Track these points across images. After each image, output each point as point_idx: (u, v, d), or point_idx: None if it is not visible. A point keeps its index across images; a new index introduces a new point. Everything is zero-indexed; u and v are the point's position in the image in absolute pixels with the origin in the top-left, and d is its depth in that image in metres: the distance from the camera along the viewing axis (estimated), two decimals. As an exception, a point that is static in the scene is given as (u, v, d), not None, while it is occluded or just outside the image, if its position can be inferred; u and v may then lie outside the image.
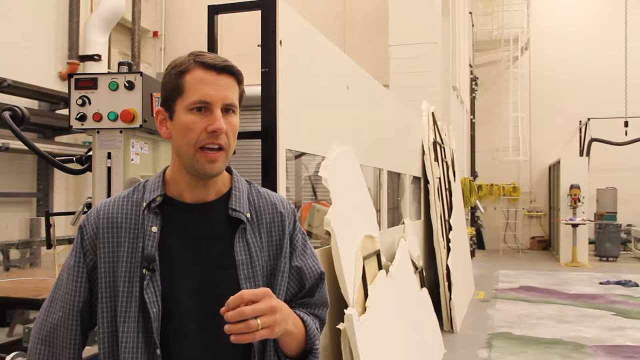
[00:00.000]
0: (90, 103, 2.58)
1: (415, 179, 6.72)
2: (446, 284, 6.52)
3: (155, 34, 12.21)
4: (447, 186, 7.53)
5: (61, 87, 8.31)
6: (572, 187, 13.14)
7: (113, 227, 1.32)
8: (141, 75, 2.57)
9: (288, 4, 2.86)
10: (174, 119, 1.29)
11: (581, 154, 15.52)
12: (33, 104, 7.82)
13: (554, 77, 16.13)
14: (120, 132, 2.58)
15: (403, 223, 5.53)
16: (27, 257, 6.89)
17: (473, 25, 15.74)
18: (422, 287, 5.37)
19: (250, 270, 1.31)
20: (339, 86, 3.75)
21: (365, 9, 11.21)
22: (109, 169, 2.59)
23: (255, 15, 2.78)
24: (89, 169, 2.75)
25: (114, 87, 2.56)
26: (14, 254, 6.69)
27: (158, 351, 1.26)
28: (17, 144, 6.25)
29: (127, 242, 1.30)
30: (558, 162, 14.16)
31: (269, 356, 1.32)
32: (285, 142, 2.80)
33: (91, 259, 1.32)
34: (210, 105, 1.26)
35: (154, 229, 1.30)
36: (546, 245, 16.17)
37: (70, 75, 2.65)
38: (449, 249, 6.80)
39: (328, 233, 3.16)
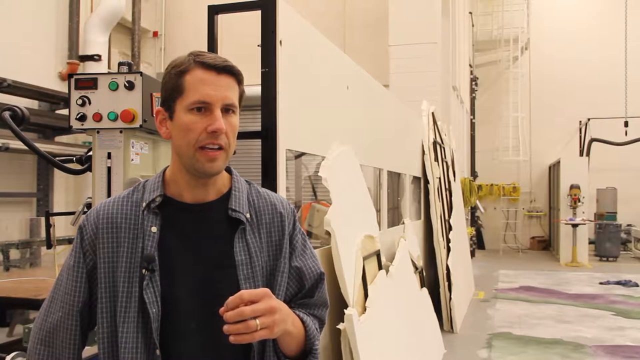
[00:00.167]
0: (90, 103, 2.58)
1: (415, 179, 6.72)
2: (446, 284, 6.52)
3: (155, 34, 12.21)
4: (447, 186, 7.52)
5: (61, 87, 8.31)
6: (572, 187, 13.14)
7: (113, 227, 1.32)
8: (141, 75, 2.57)
9: (288, 4, 2.86)
10: (174, 119, 1.29)
11: (581, 154, 15.52)
12: (33, 104, 7.82)
13: (554, 77, 16.13)
14: (120, 132, 2.58)
15: (403, 223, 5.53)
16: (27, 257, 6.89)
17: (473, 25, 15.74)
18: (422, 287, 5.37)
19: (250, 271, 1.31)
20: (339, 86, 3.75)
21: (365, 9, 11.21)
22: (109, 169, 2.59)
23: (255, 15, 2.78)
24: (89, 169, 2.75)
25: (114, 87, 2.56)
26: (14, 254, 6.69)
27: (158, 351, 1.26)
28: (17, 144, 6.25)
29: (127, 242, 1.30)
30: (558, 162, 14.16)
31: (268, 356, 1.32)
32: (285, 142, 2.80)
33: (91, 259, 1.32)
34: (210, 106, 1.26)
35: (154, 229, 1.30)
36: (546, 245, 16.17)
37: (70, 75, 2.65)
38: (449, 249, 6.80)
39: (328, 233, 3.16)
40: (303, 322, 1.35)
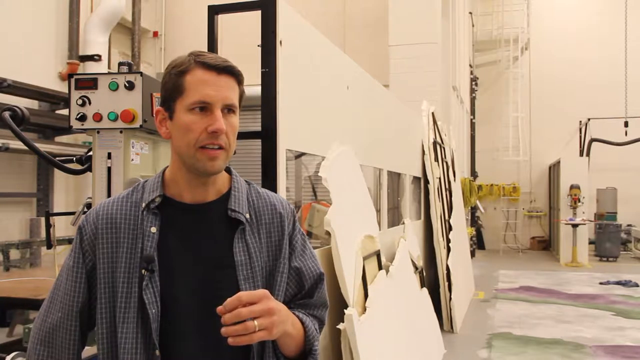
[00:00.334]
0: (90, 103, 2.58)
1: (415, 179, 6.72)
2: (446, 284, 6.52)
3: (155, 34, 12.22)
4: (447, 186, 7.52)
5: (61, 87, 8.31)
6: (572, 187, 13.14)
7: (112, 228, 1.32)
8: (141, 75, 2.57)
9: (288, 4, 2.86)
10: (174, 119, 1.29)
11: (581, 154, 15.52)
12: (33, 104, 7.82)
13: (554, 77, 16.12)
14: (121, 132, 2.58)
15: (403, 223, 5.53)
16: (27, 257, 6.89)
17: (473, 25, 15.74)
18: (422, 287, 5.37)
19: (250, 271, 1.31)
20: (339, 86, 3.75)
21: (365, 9, 11.22)
22: (109, 169, 2.59)
23: (255, 15, 2.78)
24: (89, 169, 2.75)
25: (114, 87, 2.56)
26: (14, 254, 6.69)
27: (157, 352, 1.25)
28: (17, 144, 6.25)
29: (126, 243, 1.30)
30: (558, 162, 14.16)
31: (267, 357, 1.32)
32: (285, 142, 2.80)
33: (90, 259, 1.32)
34: (211, 106, 1.26)
35: (153, 229, 1.30)
36: (546, 245, 16.17)
37: (70, 76, 2.65)
38: (449, 249, 6.80)
39: (328, 233, 3.16)
40: (302, 322, 1.35)
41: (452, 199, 7.71)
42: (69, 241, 5.50)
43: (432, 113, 7.41)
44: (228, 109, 1.29)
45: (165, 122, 1.32)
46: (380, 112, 5.00)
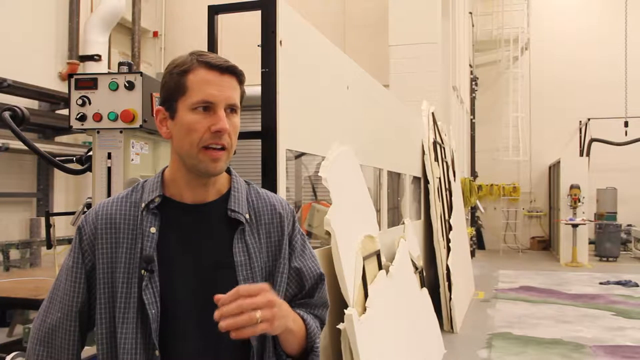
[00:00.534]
0: (90, 103, 2.58)
1: (415, 179, 6.72)
2: (446, 284, 6.52)
3: (155, 34, 12.22)
4: (447, 186, 7.52)
5: (61, 87, 8.31)
6: (572, 187, 13.14)
7: (111, 228, 1.31)
8: (141, 75, 2.57)
9: (288, 4, 2.86)
10: (176, 119, 1.28)
11: (581, 154, 15.52)
12: (33, 104, 7.82)
13: (554, 77, 16.12)
14: (120, 132, 2.58)
15: (403, 223, 5.53)
16: (27, 257, 6.89)
17: (473, 25, 15.74)
18: (422, 287, 5.37)
19: (249, 272, 1.31)
20: (339, 86, 3.75)
21: (365, 9, 11.22)
22: (109, 169, 2.59)
23: (255, 15, 2.78)
24: (89, 169, 2.75)
25: (114, 87, 2.57)
26: (14, 254, 6.69)
27: (157, 352, 1.25)
28: (17, 144, 6.24)
29: (126, 243, 1.30)
30: (558, 162, 14.16)
31: (267, 357, 1.32)
32: (285, 142, 2.80)
33: (90, 259, 1.32)
34: (214, 105, 1.26)
35: (153, 229, 1.29)
36: (546, 245, 16.16)
37: (70, 76, 2.65)
38: (449, 249, 6.80)
39: (328, 233, 3.16)
40: (304, 320, 1.34)
41: (452, 199, 7.71)
42: (69, 241, 5.50)
43: (432, 113, 7.41)
44: (231, 109, 1.29)
45: (166, 122, 1.31)
46: (380, 112, 5.00)
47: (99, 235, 1.31)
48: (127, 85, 2.55)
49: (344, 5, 11.51)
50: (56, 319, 1.33)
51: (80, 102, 2.57)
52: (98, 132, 2.60)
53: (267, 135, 2.73)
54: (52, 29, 8.68)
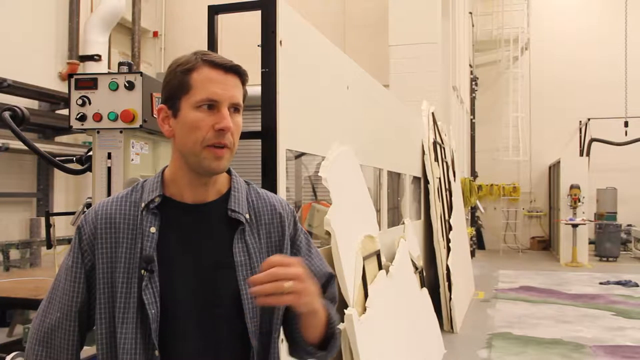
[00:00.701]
0: (90, 103, 2.58)
1: (415, 179, 6.72)
2: (446, 284, 6.52)
3: (155, 34, 12.21)
4: (447, 186, 7.52)
5: (61, 87, 8.31)
6: (572, 187, 13.14)
7: (111, 228, 1.31)
8: (141, 75, 2.57)
9: (288, 4, 2.86)
10: (179, 117, 1.28)
11: (581, 154, 15.52)
12: (33, 104, 7.82)
13: (554, 77, 16.12)
14: (120, 132, 2.58)
15: (403, 223, 5.53)
16: (27, 257, 6.90)
17: (473, 25, 15.74)
18: (422, 287, 5.37)
19: (249, 272, 1.31)
20: (339, 86, 3.75)
21: (365, 9, 11.22)
22: (109, 169, 2.59)
23: (255, 15, 2.78)
24: (89, 169, 2.75)
25: (114, 87, 2.57)
26: (14, 254, 6.70)
27: (157, 352, 1.25)
28: (17, 144, 6.24)
29: (126, 243, 1.30)
30: (558, 162, 14.16)
31: (269, 356, 1.32)
32: (285, 142, 2.80)
33: (89, 259, 1.31)
34: (218, 104, 1.26)
35: (152, 229, 1.29)
36: (546, 245, 16.16)
37: (70, 76, 2.65)
38: (449, 249, 6.80)
39: (328, 233, 3.16)
40: (323, 305, 1.33)
41: (452, 199, 7.71)
42: (69, 241, 5.47)
43: (432, 113, 7.41)
44: (234, 108, 1.29)
45: (168, 120, 1.31)
46: (380, 112, 5.00)
47: (98, 235, 1.31)
48: (127, 85, 2.55)
49: (344, 5, 11.51)
50: (55, 318, 1.32)
51: (80, 102, 2.57)
52: (98, 132, 2.60)
53: (267, 135, 2.73)
54: (52, 29, 8.68)
